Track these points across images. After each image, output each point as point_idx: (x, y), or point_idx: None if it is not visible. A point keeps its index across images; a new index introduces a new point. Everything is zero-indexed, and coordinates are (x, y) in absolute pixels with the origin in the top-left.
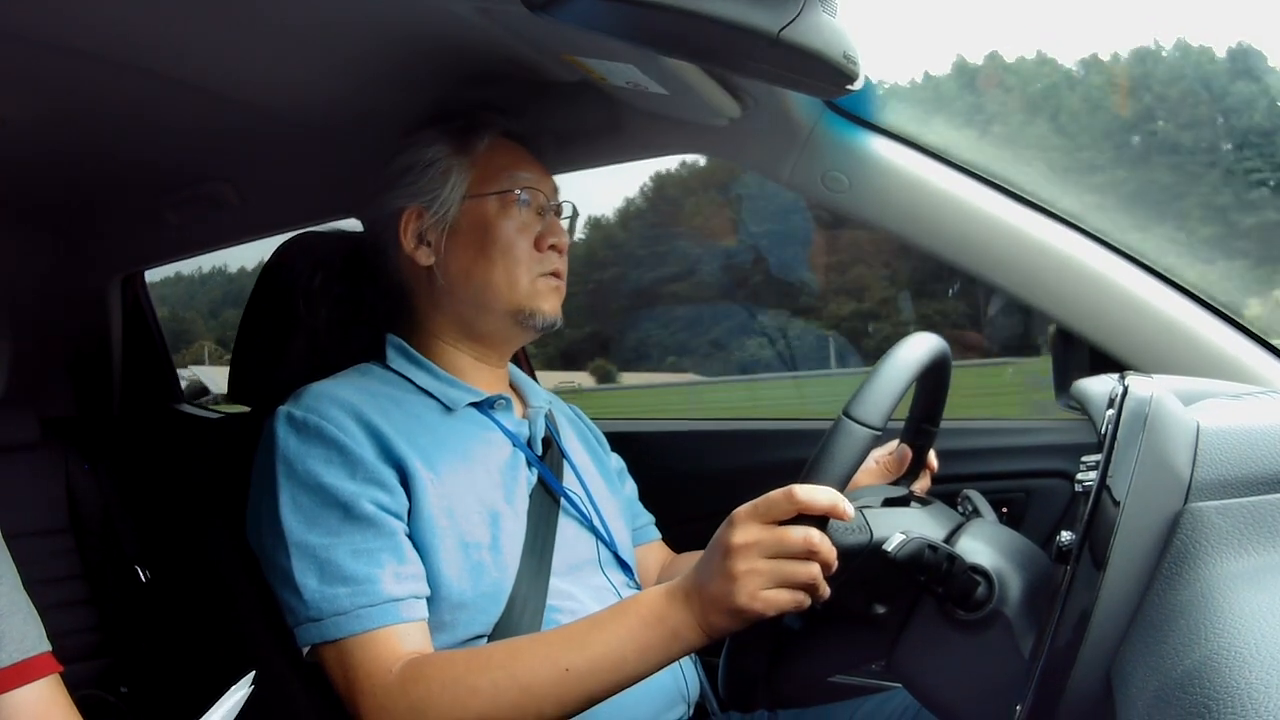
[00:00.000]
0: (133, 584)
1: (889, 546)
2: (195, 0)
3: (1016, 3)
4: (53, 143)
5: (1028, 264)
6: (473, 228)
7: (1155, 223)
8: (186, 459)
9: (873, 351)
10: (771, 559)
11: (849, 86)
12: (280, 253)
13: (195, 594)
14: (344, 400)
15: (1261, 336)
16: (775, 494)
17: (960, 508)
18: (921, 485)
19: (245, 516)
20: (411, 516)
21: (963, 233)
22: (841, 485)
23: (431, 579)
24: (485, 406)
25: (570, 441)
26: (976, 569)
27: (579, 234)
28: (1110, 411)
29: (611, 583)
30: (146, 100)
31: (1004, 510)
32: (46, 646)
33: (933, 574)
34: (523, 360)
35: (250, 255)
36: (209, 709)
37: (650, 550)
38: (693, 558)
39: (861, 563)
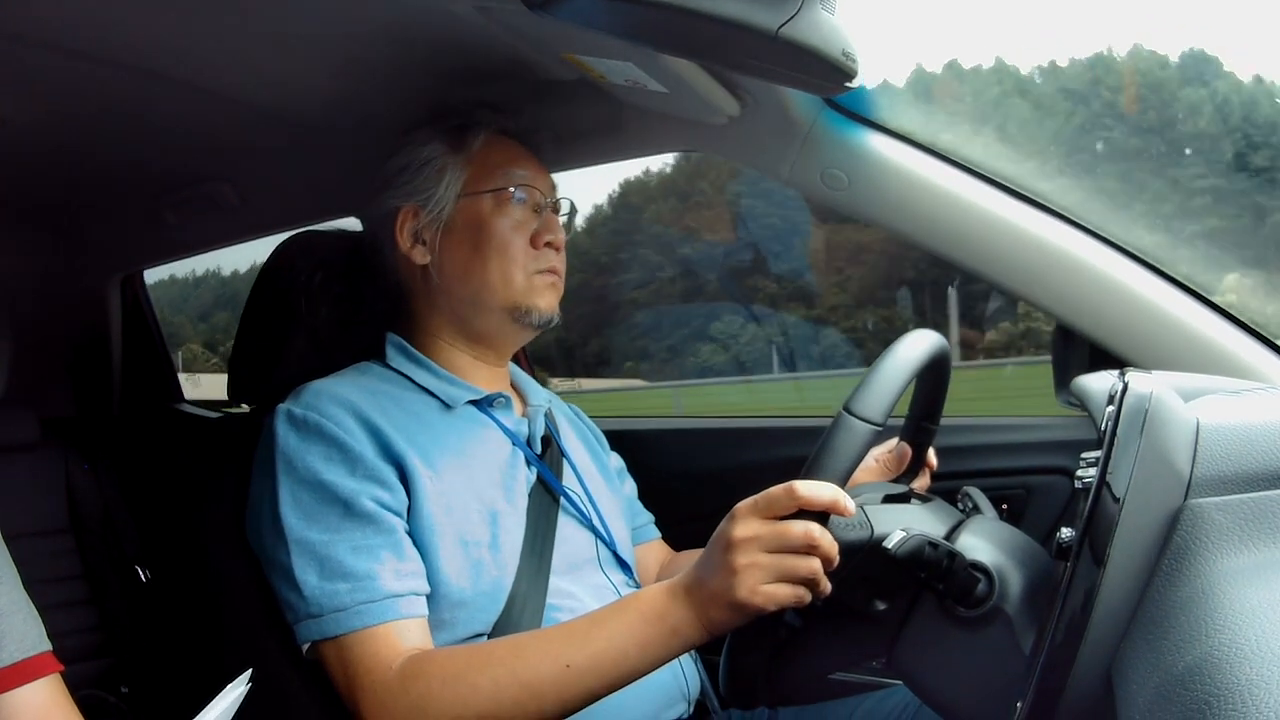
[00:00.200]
0: (133, 584)
1: (889, 543)
2: (195, 1)
3: (974, 9)
4: (52, 143)
5: (1028, 261)
6: (468, 226)
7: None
8: (187, 458)
9: (817, 358)
10: (772, 554)
11: (848, 84)
12: (280, 252)
13: (195, 594)
14: (343, 398)
15: (1262, 333)
16: (776, 489)
17: (960, 505)
18: (921, 483)
19: (245, 515)
20: (411, 514)
21: (963, 230)
22: (842, 481)
23: (431, 577)
24: (485, 405)
25: (570, 440)
26: (977, 566)
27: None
28: (1110, 408)
29: (611, 581)
30: (146, 100)
31: (1004, 507)
32: (47, 646)
33: (933, 571)
34: (523, 359)
35: (243, 259)
36: (204, 707)
37: (650, 549)
38: (692, 556)
39: (862, 559)
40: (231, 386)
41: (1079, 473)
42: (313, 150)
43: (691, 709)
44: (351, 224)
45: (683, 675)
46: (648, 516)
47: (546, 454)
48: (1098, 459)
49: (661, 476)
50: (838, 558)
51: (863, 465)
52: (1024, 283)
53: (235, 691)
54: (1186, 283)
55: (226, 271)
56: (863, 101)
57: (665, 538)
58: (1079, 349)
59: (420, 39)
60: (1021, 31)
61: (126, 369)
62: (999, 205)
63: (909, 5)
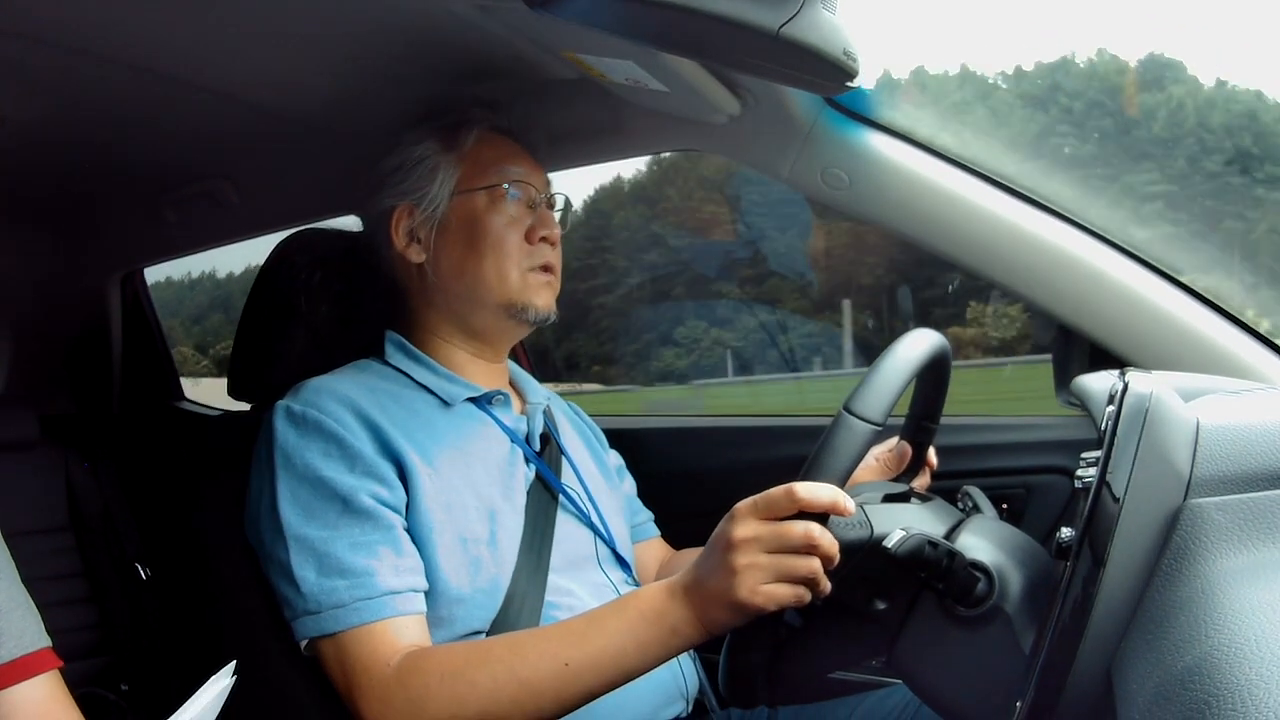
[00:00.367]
0: (133, 582)
1: (889, 542)
2: (195, 0)
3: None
4: (52, 141)
5: (1028, 261)
6: (462, 223)
7: None
8: (186, 456)
9: (775, 361)
10: (772, 553)
11: (849, 83)
12: (280, 250)
13: (195, 591)
14: (342, 394)
15: (1262, 333)
16: (776, 491)
17: (960, 504)
18: (921, 482)
19: (245, 513)
20: (409, 511)
21: (963, 230)
22: (842, 481)
23: (429, 574)
24: (483, 402)
25: (569, 438)
26: (977, 565)
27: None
28: (1110, 408)
29: (610, 579)
30: (146, 98)
31: (1004, 506)
32: (47, 642)
33: (933, 570)
34: (523, 357)
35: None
36: (187, 699)
37: (649, 547)
38: (691, 554)
39: (862, 559)
40: (231, 384)
41: (1079, 472)
42: (313, 148)
43: (690, 707)
44: (352, 222)
45: (681, 674)
46: (647, 514)
47: (545, 451)
48: (1098, 459)
49: (661, 475)
50: (838, 557)
51: (863, 464)
52: (1025, 282)
53: (220, 684)
54: (1187, 282)
55: (222, 274)
56: (863, 101)
57: (664, 536)
58: (1079, 349)
59: (420, 37)
60: (988, 37)
61: (126, 367)
62: (1000, 205)
63: (885, 9)
